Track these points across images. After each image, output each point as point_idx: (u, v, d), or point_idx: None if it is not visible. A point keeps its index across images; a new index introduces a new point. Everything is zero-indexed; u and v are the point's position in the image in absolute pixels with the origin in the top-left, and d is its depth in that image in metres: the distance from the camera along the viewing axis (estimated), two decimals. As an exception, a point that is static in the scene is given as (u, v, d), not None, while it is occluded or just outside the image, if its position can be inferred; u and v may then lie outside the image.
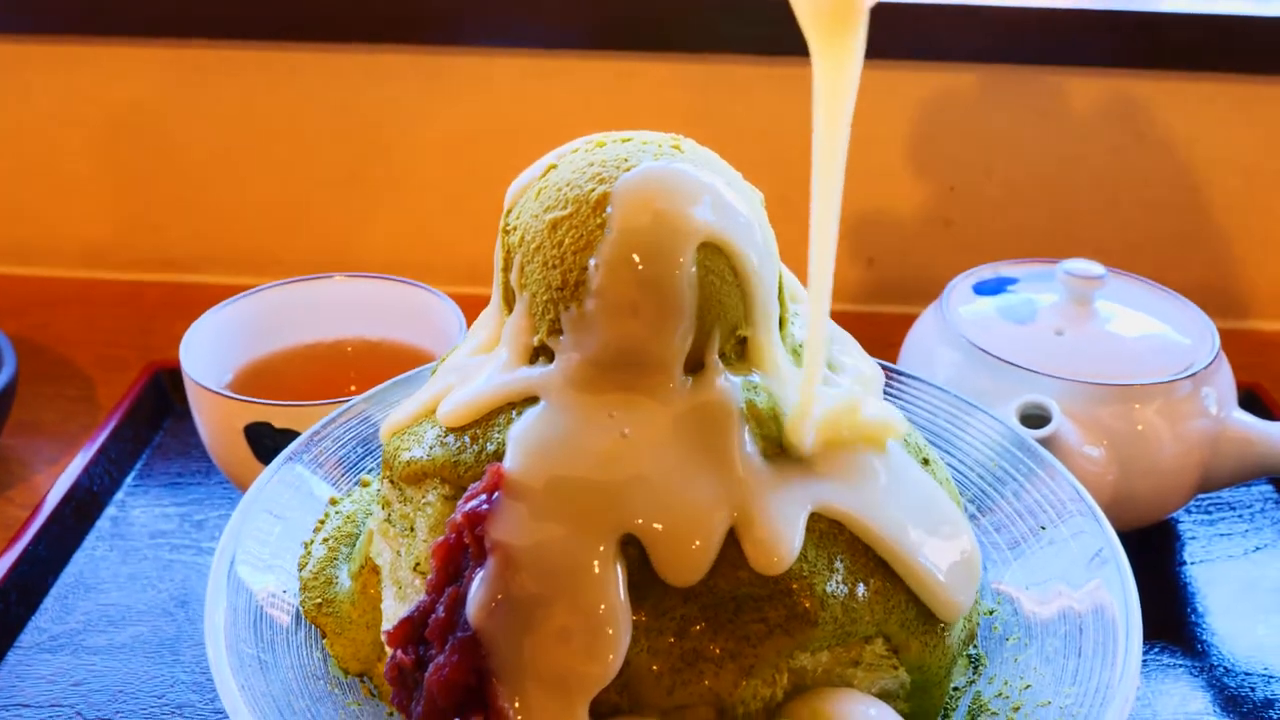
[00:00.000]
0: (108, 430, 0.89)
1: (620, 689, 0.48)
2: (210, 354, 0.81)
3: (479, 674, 0.47)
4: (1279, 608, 0.78)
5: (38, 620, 0.76)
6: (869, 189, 1.14)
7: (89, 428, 0.92)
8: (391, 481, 0.57)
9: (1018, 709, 0.54)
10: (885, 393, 0.62)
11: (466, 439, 0.53)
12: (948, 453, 0.67)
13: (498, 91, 1.12)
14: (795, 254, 0.55)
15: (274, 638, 0.56)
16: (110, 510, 0.85)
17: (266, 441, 0.74)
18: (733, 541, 0.49)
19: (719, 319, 0.51)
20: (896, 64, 1.09)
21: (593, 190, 0.51)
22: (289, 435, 0.72)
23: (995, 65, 1.08)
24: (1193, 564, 0.82)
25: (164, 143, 1.16)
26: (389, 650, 0.50)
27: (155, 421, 0.94)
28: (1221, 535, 0.85)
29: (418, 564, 0.54)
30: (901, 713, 0.52)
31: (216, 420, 0.76)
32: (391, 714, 0.55)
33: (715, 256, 0.51)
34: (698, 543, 0.48)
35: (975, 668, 0.58)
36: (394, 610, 0.56)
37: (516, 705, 0.46)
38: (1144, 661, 0.73)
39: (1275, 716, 0.70)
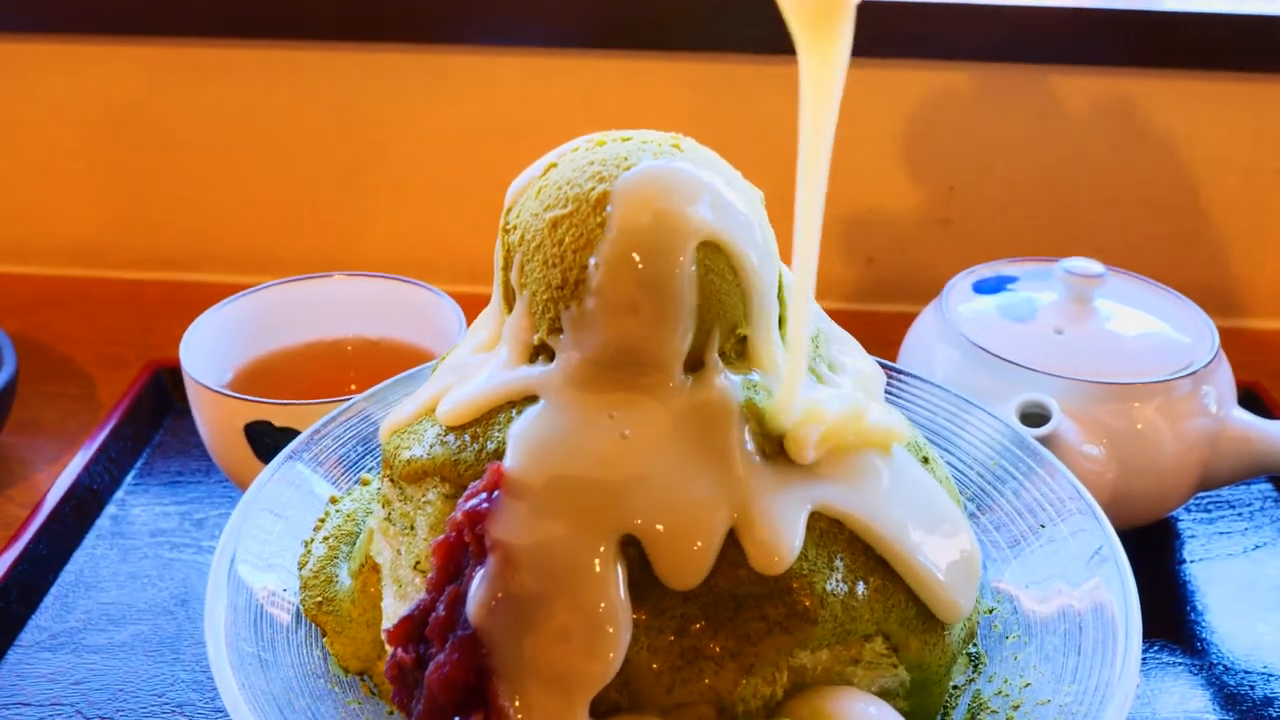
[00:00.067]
0: (108, 429, 0.89)
1: (620, 687, 0.48)
2: (210, 353, 0.81)
3: (479, 672, 0.47)
4: (1278, 606, 0.78)
5: (38, 619, 0.76)
6: (868, 187, 1.14)
7: (89, 426, 0.92)
8: (392, 480, 0.57)
9: (1017, 707, 0.54)
10: (885, 392, 0.62)
11: (467, 438, 0.53)
12: (947, 451, 0.67)
13: (498, 90, 1.12)
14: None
15: (274, 636, 0.56)
16: (110, 509, 0.85)
17: (266, 440, 0.74)
18: (733, 540, 0.49)
19: (719, 318, 0.51)
20: (896, 63, 1.09)
21: (593, 189, 0.51)
22: (289, 434, 0.72)
23: (995, 64, 1.08)
24: (1192, 562, 0.82)
25: (164, 141, 1.16)
26: (389, 648, 0.50)
27: (155, 420, 0.95)
28: (1221, 534, 0.85)
29: (418, 562, 0.54)
30: (901, 711, 0.52)
31: (217, 419, 0.76)
32: (392, 712, 0.55)
33: (715, 255, 0.51)
34: (699, 544, 0.48)
35: (975, 666, 0.58)
36: (394, 609, 0.56)
37: (517, 703, 0.46)
38: (1143, 660, 0.73)
39: (1274, 715, 0.70)
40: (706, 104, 1.11)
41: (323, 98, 1.13)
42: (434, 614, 0.48)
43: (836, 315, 0.64)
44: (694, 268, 0.50)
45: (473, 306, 0.67)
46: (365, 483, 0.65)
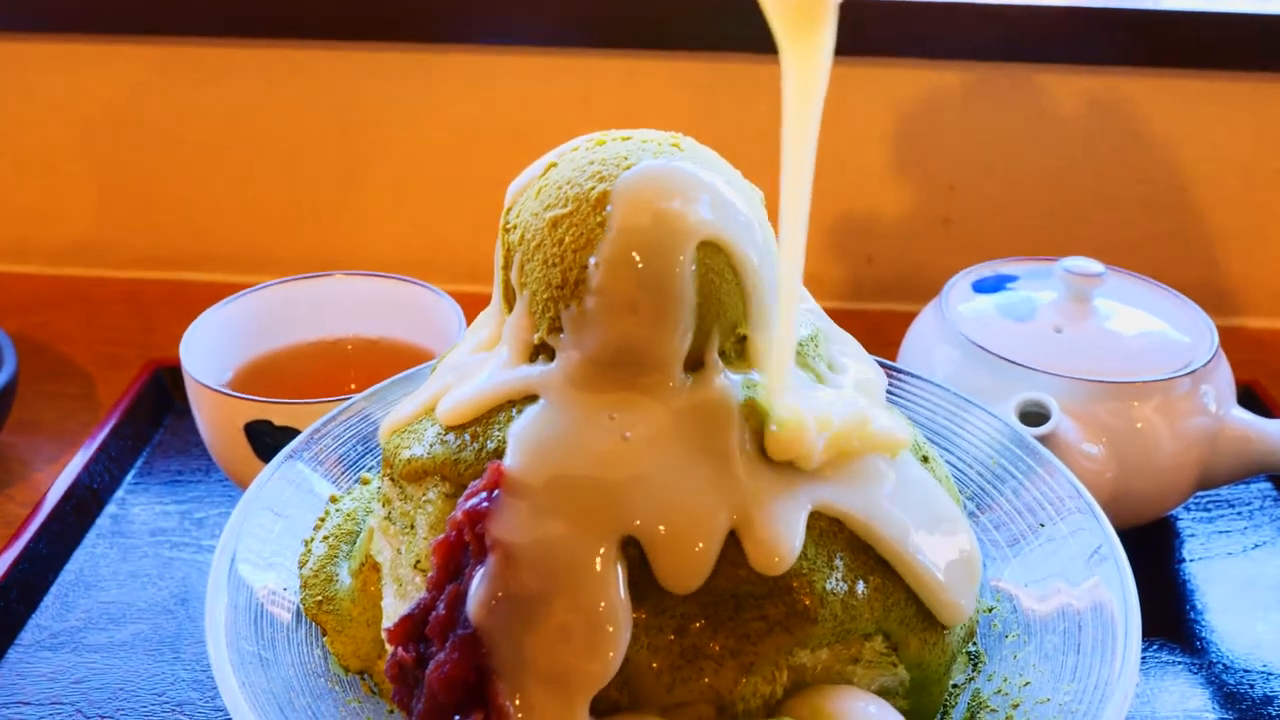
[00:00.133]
0: (108, 428, 0.89)
1: (620, 686, 0.48)
2: (210, 352, 0.81)
3: (479, 671, 0.47)
4: (1277, 605, 0.78)
5: (38, 618, 0.76)
6: (869, 187, 1.14)
7: (89, 426, 0.93)
8: (392, 479, 0.57)
9: (1017, 706, 0.54)
10: (885, 391, 0.62)
11: (467, 437, 0.53)
12: (947, 450, 0.67)
13: (498, 90, 1.12)
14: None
15: (274, 635, 0.56)
16: (110, 508, 0.85)
17: (267, 439, 0.74)
18: (733, 540, 0.49)
19: (718, 317, 0.51)
20: (896, 62, 1.09)
21: (593, 188, 0.51)
22: (289, 433, 0.72)
23: (995, 64, 1.08)
24: (1191, 561, 0.82)
25: (164, 141, 1.16)
26: (389, 647, 0.50)
27: (155, 419, 0.95)
28: (1220, 532, 0.85)
29: (418, 561, 0.54)
30: (901, 710, 0.52)
31: (217, 418, 0.76)
32: (392, 711, 0.55)
33: (715, 255, 0.51)
34: (699, 546, 0.48)
35: (974, 665, 0.58)
36: (394, 608, 0.56)
37: (517, 702, 0.46)
38: (1143, 658, 0.73)
39: (1274, 713, 0.70)
40: (706, 104, 1.11)
41: (323, 97, 1.13)
42: (434, 613, 0.48)
43: (836, 314, 0.64)
44: (694, 267, 0.50)
45: (473, 306, 0.67)
46: (365, 482, 0.65)
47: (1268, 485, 0.89)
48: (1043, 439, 0.70)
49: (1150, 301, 0.85)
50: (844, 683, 0.52)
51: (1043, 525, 0.62)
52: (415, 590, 0.54)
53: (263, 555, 0.60)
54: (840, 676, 0.52)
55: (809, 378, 0.55)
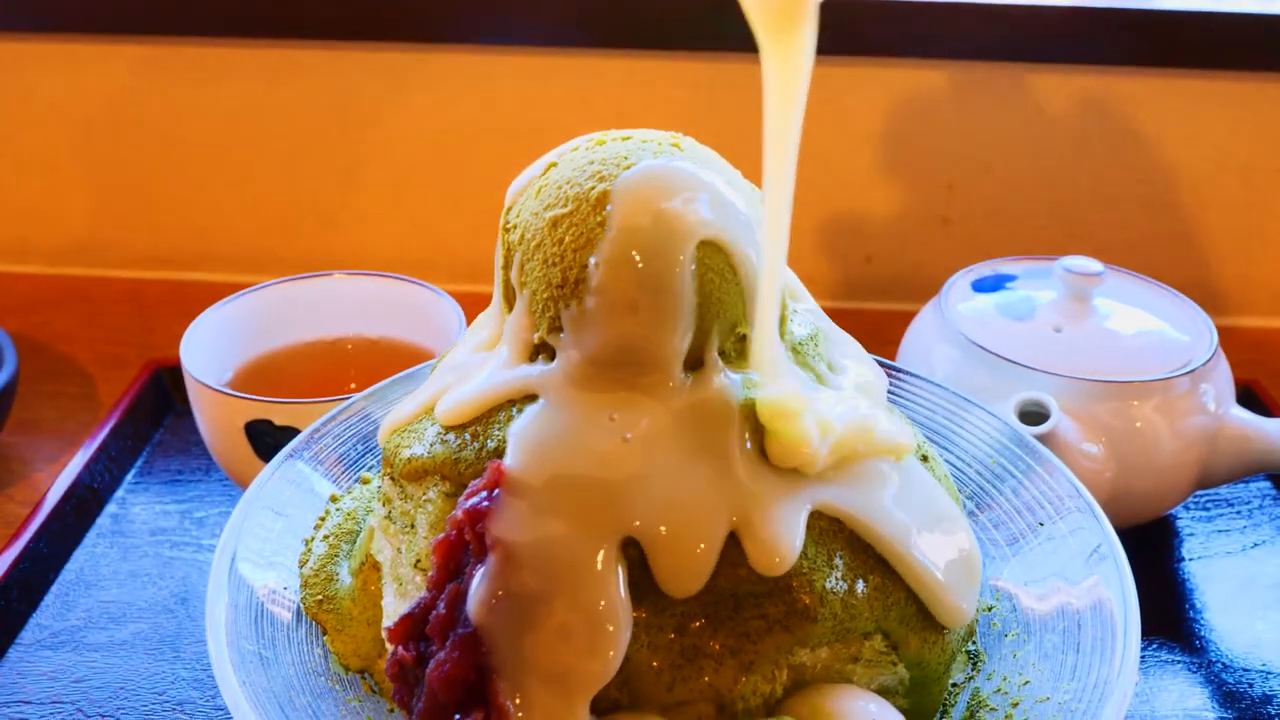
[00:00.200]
0: (108, 428, 0.89)
1: (620, 685, 0.48)
2: (211, 351, 0.81)
3: (480, 670, 0.47)
4: (1277, 604, 0.78)
5: (39, 617, 0.76)
6: (868, 186, 1.14)
7: (89, 425, 0.93)
8: (392, 478, 0.57)
9: (1016, 705, 0.54)
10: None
11: (467, 436, 0.53)
12: (946, 450, 0.67)
13: (499, 89, 1.12)
14: (795, 251, 0.55)
15: (275, 634, 0.56)
16: (111, 507, 0.85)
17: (267, 439, 0.74)
18: (733, 539, 0.49)
19: (718, 317, 0.51)
20: (895, 62, 1.09)
21: (593, 188, 0.51)
22: (289, 432, 0.72)
23: (994, 63, 1.08)
24: (1191, 560, 0.82)
25: (164, 140, 1.16)
26: (390, 647, 0.50)
27: (156, 419, 0.95)
28: (1220, 532, 0.85)
29: (418, 561, 0.54)
30: (901, 709, 0.52)
31: (217, 418, 0.76)
32: (392, 710, 0.55)
33: (715, 254, 0.51)
34: (700, 548, 0.48)
35: (974, 664, 0.58)
36: (395, 607, 0.56)
37: (517, 701, 0.46)
38: (1142, 657, 0.73)
39: (1273, 712, 0.70)
40: (706, 104, 1.11)
41: (323, 96, 1.13)
42: (434, 612, 0.48)
43: (835, 314, 0.64)
44: (694, 267, 0.50)
45: (473, 306, 0.67)
46: (365, 481, 0.65)
47: (1267, 484, 0.89)
48: (1042, 438, 0.70)
49: (1150, 301, 0.85)
50: (844, 681, 0.52)
51: (1042, 524, 0.62)
52: (415, 589, 0.54)
53: (263, 554, 0.60)
54: (840, 675, 0.52)
55: (809, 378, 0.55)
